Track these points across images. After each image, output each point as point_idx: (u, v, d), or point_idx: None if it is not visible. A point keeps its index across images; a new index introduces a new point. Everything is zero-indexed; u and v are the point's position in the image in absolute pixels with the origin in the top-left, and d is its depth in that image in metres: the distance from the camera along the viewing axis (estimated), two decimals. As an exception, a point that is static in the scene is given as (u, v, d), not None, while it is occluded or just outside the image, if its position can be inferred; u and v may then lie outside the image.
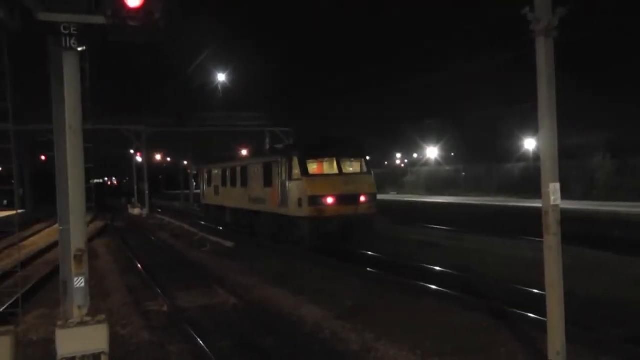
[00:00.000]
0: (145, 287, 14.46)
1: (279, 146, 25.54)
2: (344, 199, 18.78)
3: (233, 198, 26.72)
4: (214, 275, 15.84)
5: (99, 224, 38.24)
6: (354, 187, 19.20)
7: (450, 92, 76.74)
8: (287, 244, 20.46)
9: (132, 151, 55.29)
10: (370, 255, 18.08)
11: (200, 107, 52.97)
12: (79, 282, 6.16)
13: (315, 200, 18.54)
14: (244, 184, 24.94)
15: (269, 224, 22.28)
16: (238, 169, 26.02)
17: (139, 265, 17.65)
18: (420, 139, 59.12)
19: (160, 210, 50.55)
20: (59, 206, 6.48)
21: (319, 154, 19.95)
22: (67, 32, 5.92)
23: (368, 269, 15.32)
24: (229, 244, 22.19)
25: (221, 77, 44.31)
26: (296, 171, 19.52)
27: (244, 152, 58.84)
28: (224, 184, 28.57)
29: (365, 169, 20.21)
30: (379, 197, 21.67)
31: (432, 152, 56.46)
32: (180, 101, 52.55)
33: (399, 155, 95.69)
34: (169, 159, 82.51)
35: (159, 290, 13.62)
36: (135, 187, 53.44)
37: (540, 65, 6.69)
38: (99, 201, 73.08)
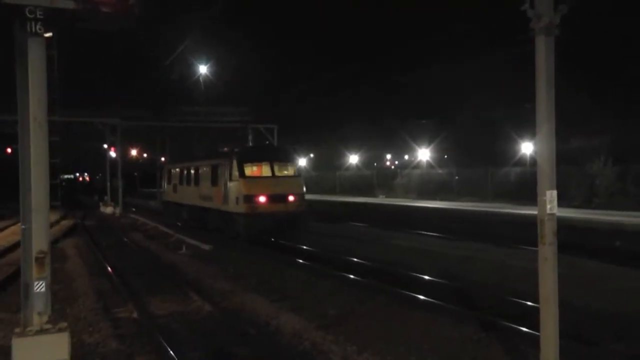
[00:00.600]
0: (115, 292, 14.32)
1: (225, 150, 29.44)
2: (275, 198, 22.89)
3: (188, 196, 30.56)
4: (189, 280, 15.73)
5: (68, 222, 37.89)
6: (284, 188, 23.40)
7: (445, 91, 76.92)
8: (268, 248, 21.43)
9: (105, 146, 54.89)
10: (356, 261, 18.09)
11: (180, 100, 52.79)
12: (40, 286, 6.03)
13: (249, 199, 22.67)
14: (197, 183, 28.97)
15: (216, 219, 26.08)
16: (192, 169, 29.90)
17: (110, 268, 17.49)
18: (411, 140, 59.38)
19: (134, 209, 50.23)
20: (22, 204, 6.35)
21: (255, 159, 24.50)
22: (32, 16, 5.80)
23: (351, 275, 15.33)
24: (206, 246, 22.06)
25: (203, 70, 44.03)
26: (235, 173, 23.56)
27: (225, 149, 58.60)
28: (181, 182, 32.54)
29: (295, 173, 24.78)
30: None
31: (424, 154, 56.65)
32: (159, 94, 52.29)
33: (389, 157, 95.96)
34: (145, 155, 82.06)
35: (130, 296, 13.49)
36: (108, 184, 53.06)
37: (540, 65, 6.67)
38: (70, 198, 72.63)
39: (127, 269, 17.73)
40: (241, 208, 22.91)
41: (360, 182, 54.24)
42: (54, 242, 19.44)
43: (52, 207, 6.57)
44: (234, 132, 60.94)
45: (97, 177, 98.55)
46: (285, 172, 24.53)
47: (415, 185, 47.38)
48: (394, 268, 16.58)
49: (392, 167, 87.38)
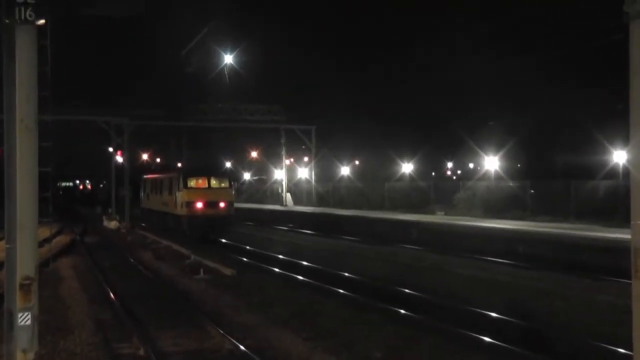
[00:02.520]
0: (118, 323, 14.41)
1: (179, 166, 44.27)
2: (209, 204, 36.45)
3: (156, 203, 43.49)
4: (206, 311, 15.77)
5: (64, 238, 38.41)
6: (216, 196, 37.22)
7: (518, 84, 75.41)
8: (302, 274, 21.99)
9: (110, 149, 55.60)
10: (406, 293, 17.90)
11: (199, 97, 53.20)
12: (25, 319, 6.03)
13: (190, 204, 36.29)
14: (160, 192, 42.54)
15: (171, 221, 39.24)
16: (158, 181, 43.09)
17: (112, 294, 17.63)
18: (476, 146, 58.55)
19: (144, 225, 50.83)
20: (7, 219, 6.39)
21: (196, 174, 38.79)
22: (21, 0, 5.83)
23: (401, 310, 15.16)
24: (228, 271, 22.14)
25: (227, 59, 44.05)
26: (181, 185, 37.19)
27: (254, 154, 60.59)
28: (152, 191, 45.76)
29: (226, 185, 38.98)
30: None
31: (492, 163, 55.86)
32: (174, 90, 52.91)
33: (450, 165, 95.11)
34: (158, 160, 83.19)
35: (136, 328, 13.56)
36: (113, 194, 53.72)
37: (635, 56, 6.45)
38: (68, 210, 73.90)
39: (133, 296, 17.87)
40: (185, 211, 36.51)
41: (413, 196, 53.69)
42: (44, 264, 19.69)
43: (43, 223, 6.62)
44: (265, 134, 61.33)
45: (101, 185, 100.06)
46: (219, 184, 38.64)
47: (480, 201, 46.63)
48: (453, 302, 16.33)
49: (454, 177, 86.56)
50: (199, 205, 36.12)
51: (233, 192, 39.35)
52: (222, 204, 36.87)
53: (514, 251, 27.09)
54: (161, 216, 41.70)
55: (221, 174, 41.54)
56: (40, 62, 6.40)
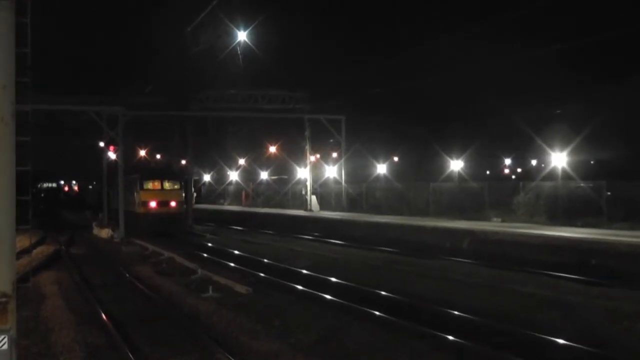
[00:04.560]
0: (111, 349, 14.51)
1: (138, 168, 56.22)
2: (162, 204, 49.54)
3: (127, 202, 51.56)
4: (217, 336, 15.81)
5: (46, 249, 38.76)
6: (168, 197, 50.27)
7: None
8: (329, 291, 21.92)
9: (102, 144, 55.88)
10: (456, 315, 17.79)
11: (208, 82, 53.17)
12: (1, 342, 6.09)
13: (145, 204, 49.27)
14: (130, 192, 52.15)
15: (134, 218, 49.22)
16: (127, 182, 52.23)
17: (104, 316, 17.73)
18: (539, 139, 57.96)
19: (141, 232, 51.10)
20: (-20, 225, 6.44)
21: (151, 177, 51.77)
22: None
23: (449, 336, 15.10)
24: (242, 288, 22.20)
25: (241, 36, 44.02)
26: (138, 186, 50.00)
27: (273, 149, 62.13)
28: (127, 191, 53.59)
29: (178, 187, 52.25)
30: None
31: (560, 159, 55.32)
32: (177, 73, 52.94)
33: (508, 162, 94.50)
34: (158, 157, 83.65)
35: (133, 356, 13.61)
36: (105, 197, 54.09)
37: None
38: (51, 215, 74.53)
39: (130, 318, 17.97)
40: (141, 210, 49.38)
41: (464, 199, 53.36)
42: (22, 279, 19.86)
43: (22, 231, 6.64)
44: (286, 125, 61.21)
45: (90, 186, 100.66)
46: (171, 186, 52.08)
47: (545, 205, 46.21)
48: (513, 326, 16.22)
49: (513, 177, 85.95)
50: (153, 204, 49.67)
51: (183, 194, 54.36)
52: (173, 204, 51.22)
53: (585, 265, 26.87)
54: (129, 215, 50.77)
55: (174, 177, 54.74)
56: (18, 43, 6.41)
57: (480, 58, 65.06)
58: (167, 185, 51.87)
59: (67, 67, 70.90)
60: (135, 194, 50.91)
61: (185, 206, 56.17)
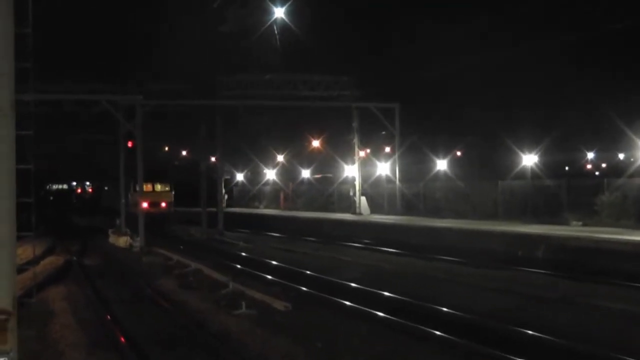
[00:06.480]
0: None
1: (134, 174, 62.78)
2: (153, 204, 71.14)
3: (129, 203, 64.84)
4: (250, 360, 15.83)
5: (56, 259, 39.07)
6: (159, 198, 76.25)
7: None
8: (382, 309, 21.70)
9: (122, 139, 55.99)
10: (529, 335, 17.65)
11: (239, 66, 53.05)
12: (0, 367, 6.12)
13: (140, 204, 59.17)
14: (129, 193, 67.33)
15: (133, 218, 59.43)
16: (130, 185, 66.20)
17: (121, 337, 17.83)
18: (629, 129, 57.23)
19: (164, 240, 51.34)
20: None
21: (146, 180, 61.26)
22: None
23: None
24: (280, 305, 22.18)
25: (278, 13, 43.95)
26: (134, 189, 66.13)
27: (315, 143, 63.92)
28: (132, 192, 69.59)
29: (168, 189, 78.27)
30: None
31: (652, 153, 54.77)
32: (203, 57, 52.86)
33: (590, 156, 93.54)
34: (184, 153, 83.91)
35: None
36: (123, 200, 54.31)
37: None
38: (61, 221, 75.48)
39: (150, 339, 18.07)
40: (137, 209, 56.36)
41: (538, 200, 52.90)
42: (26, 295, 20.03)
43: (25, 239, 6.62)
44: (330, 116, 60.79)
45: (106, 188, 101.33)
46: (162, 188, 76.50)
47: (634, 206, 45.73)
48: (597, 348, 16.03)
49: (596, 173, 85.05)
50: (145, 205, 58.98)
51: (172, 194, 76.67)
52: (163, 204, 74.60)
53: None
54: (131, 215, 59.98)
55: (165, 180, 76.15)
56: (18, 23, 6.42)
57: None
58: (158, 187, 75.05)
59: (76, 50, 70.99)
60: (133, 195, 67.11)
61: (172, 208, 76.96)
